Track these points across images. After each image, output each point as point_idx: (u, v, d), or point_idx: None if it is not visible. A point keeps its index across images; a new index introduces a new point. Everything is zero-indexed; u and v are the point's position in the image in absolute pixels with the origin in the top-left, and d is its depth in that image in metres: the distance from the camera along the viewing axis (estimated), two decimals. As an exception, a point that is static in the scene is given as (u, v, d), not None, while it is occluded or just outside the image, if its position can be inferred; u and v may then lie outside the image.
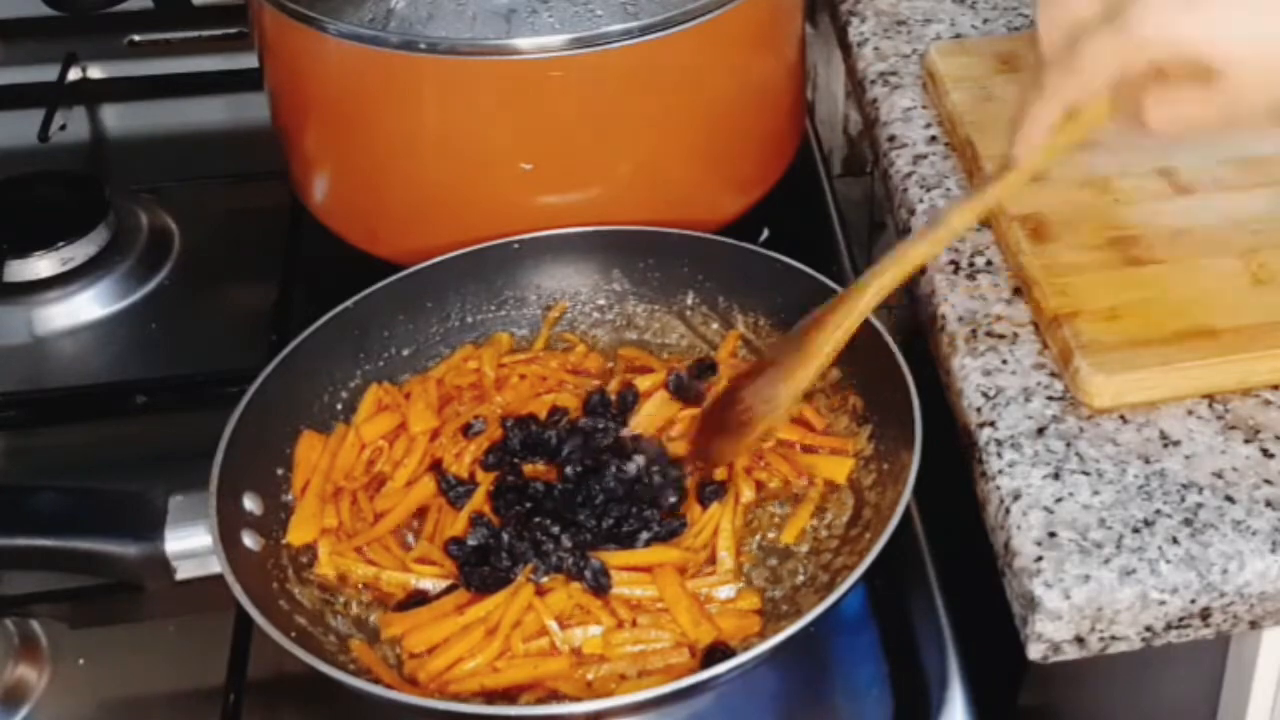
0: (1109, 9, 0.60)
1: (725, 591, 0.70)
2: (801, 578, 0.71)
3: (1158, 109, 0.61)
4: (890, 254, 0.70)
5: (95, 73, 1.15)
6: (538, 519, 0.72)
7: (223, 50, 1.15)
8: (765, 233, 0.90)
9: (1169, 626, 0.65)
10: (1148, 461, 0.68)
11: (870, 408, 0.76)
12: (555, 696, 0.66)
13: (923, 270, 0.81)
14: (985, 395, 0.72)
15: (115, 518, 0.69)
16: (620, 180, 0.86)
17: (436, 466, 0.76)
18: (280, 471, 0.75)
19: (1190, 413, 0.71)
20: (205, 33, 1.17)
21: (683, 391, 0.79)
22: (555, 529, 0.71)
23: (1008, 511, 0.67)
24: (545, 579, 0.70)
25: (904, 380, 0.72)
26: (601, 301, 0.85)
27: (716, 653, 0.66)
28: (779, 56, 0.92)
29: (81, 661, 0.73)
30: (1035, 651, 0.65)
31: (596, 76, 0.81)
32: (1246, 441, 0.69)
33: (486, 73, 0.80)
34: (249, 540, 0.70)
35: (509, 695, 0.66)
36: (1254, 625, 0.66)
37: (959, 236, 0.68)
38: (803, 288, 0.80)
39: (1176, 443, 0.69)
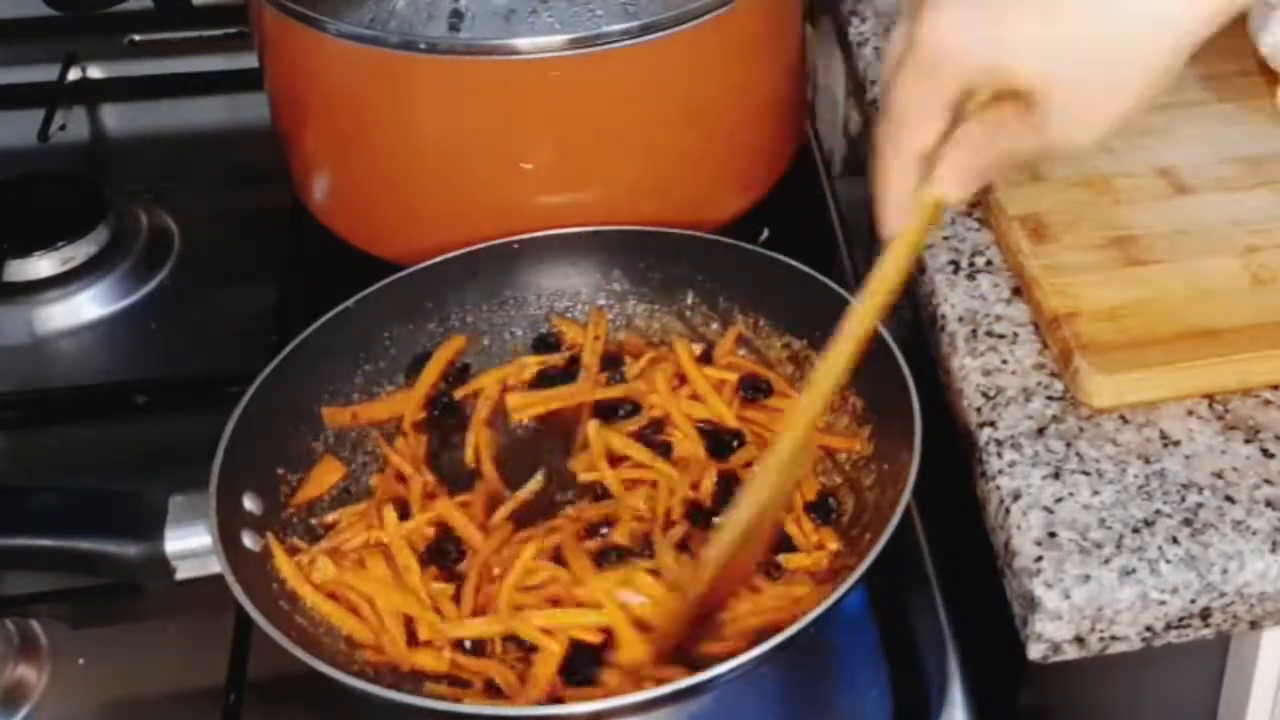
0: (910, 40, 0.55)
1: None
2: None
3: (981, 143, 0.57)
4: (808, 383, 0.65)
5: (95, 73, 1.15)
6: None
7: (223, 50, 1.15)
8: (765, 233, 0.90)
9: (1169, 626, 0.65)
10: (1148, 461, 0.68)
11: (870, 408, 0.76)
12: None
13: (922, 270, 0.81)
14: (985, 395, 0.72)
15: (115, 518, 0.69)
16: (620, 180, 0.86)
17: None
18: (280, 471, 0.75)
19: (1190, 413, 0.71)
20: (205, 33, 1.16)
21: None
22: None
23: (1008, 511, 0.67)
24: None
25: (904, 380, 0.72)
26: (601, 301, 0.85)
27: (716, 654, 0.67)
28: (779, 56, 0.92)
29: (81, 661, 0.73)
30: (1035, 651, 0.65)
31: (596, 76, 0.81)
32: (1246, 441, 0.69)
33: (486, 73, 0.80)
34: (249, 540, 0.70)
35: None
36: (1254, 625, 0.66)
37: (866, 335, 0.63)
38: (803, 288, 0.80)
39: (1176, 443, 0.69)
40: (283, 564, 0.70)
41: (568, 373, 0.82)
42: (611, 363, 0.82)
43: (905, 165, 0.59)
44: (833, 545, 0.72)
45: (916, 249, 0.62)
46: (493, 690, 0.67)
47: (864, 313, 0.63)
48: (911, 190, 0.60)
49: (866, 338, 0.64)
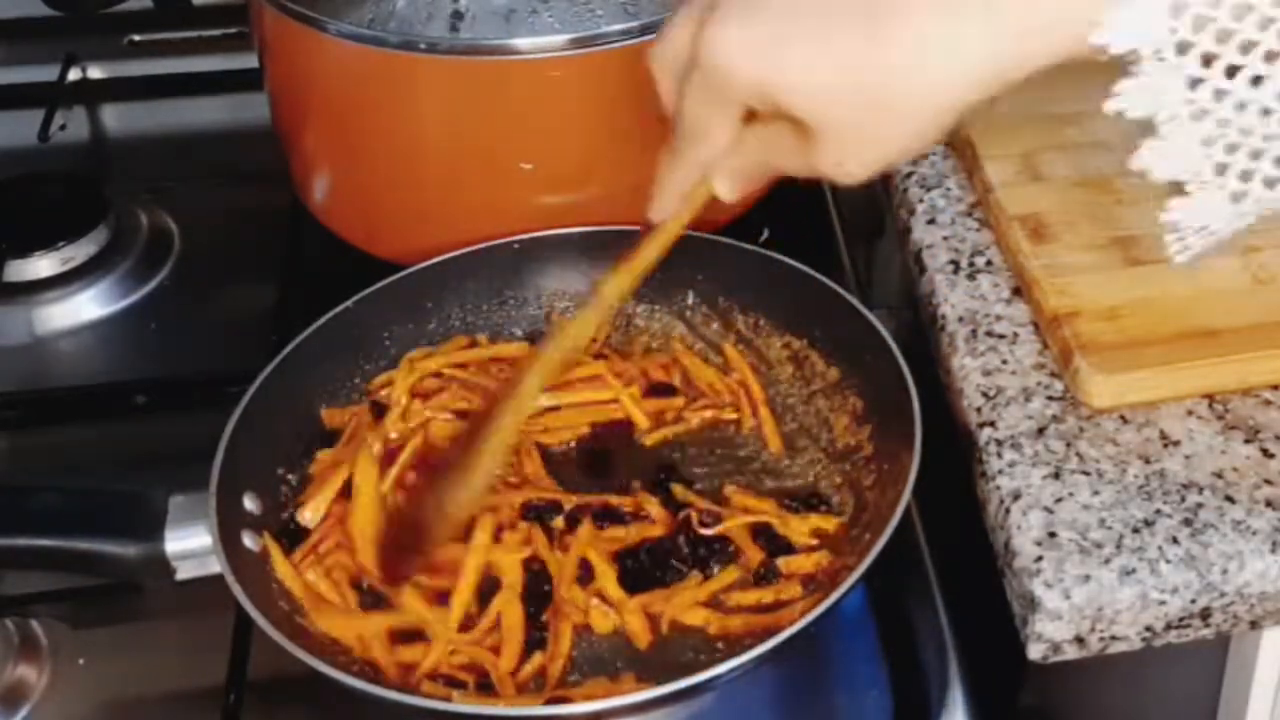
0: (694, 49, 0.56)
1: None
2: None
3: (757, 154, 0.58)
4: (551, 339, 0.68)
5: (95, 73, 1.15)
6: None
7: (223, 50, 1.15)
8: (765, 233, 0.90)
9: (1169, 626, 0.65)
10: (1148, 461, 0.68)
11: (870, 408, 0.76)
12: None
13: (922, 270, 0.81)
14: (985, 395, 0.72)
15: (115, 518, 0.69)
16: (620, 180, 0.86)
17: None
18: (280, 471, 0.75)
19: (1190, 413, 0.71)
20: (205, 33, 1.16)
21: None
22: None
23: (1008, 511, 0.67)
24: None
25: (904, 380, 0.72)
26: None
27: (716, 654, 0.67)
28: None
29: (81, 661, 0.73)
30: (1035, 651, 0.65)
31: (596, 76, 0.81)
32: (1246, 441, 0.69)
33: (486, 73, 0.80)
34: (249, 540, 0.70)
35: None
36: (1254, 625, 0.66)
37: (614, 307, 0.66)
38: (803, 288, 0.80)
39: (1176, 443, 0.69)
40: (279, 565, 0.70)
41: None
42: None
43: (688, 167, 0.61)
44: (829, 525, 0.72)
45: (679, 233, 0.64)
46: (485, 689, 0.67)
47: (616, 285, 0.65)
48: (689, 186, 0.62)
49: (613, 310, 0.67)
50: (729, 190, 0.61)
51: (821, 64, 0.53)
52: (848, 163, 0.56)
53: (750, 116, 0.58)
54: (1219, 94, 0.53)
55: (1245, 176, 0.56)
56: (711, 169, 0.61)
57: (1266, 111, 0.53)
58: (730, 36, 0.54)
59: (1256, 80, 0.52)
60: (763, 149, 0.58)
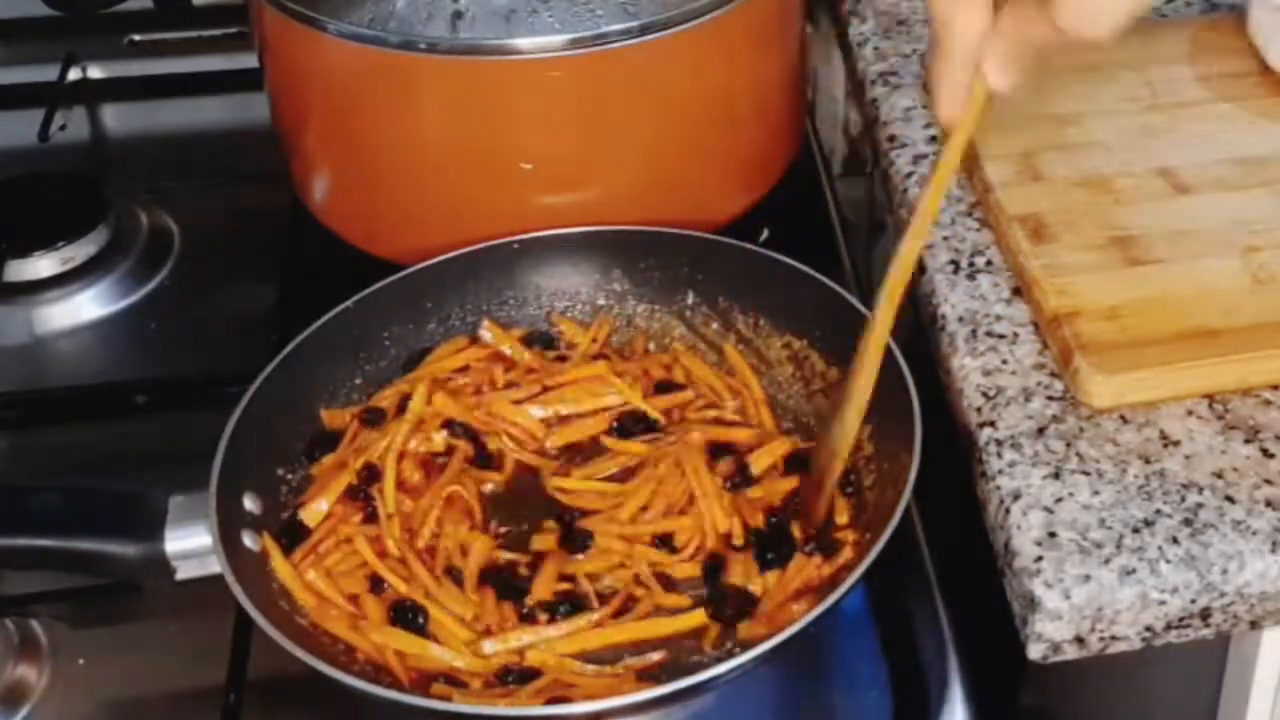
0: None
1: None
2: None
3: (1014, 33, 0.61)
4: (892, 259, 0.69)
5: (95, 73, 1.15)
6: None
7: (223, 50, 1.15)
8: (765, 233, 0.90)
9: (1169, 626, 0.65)
10: (1148, 461, 0.68)
11: (870, 408, 0.76)
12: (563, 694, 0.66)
13: (922, 270, 0.81)
14: (985, 395, 0.72)
15: (115, 518, 0.69)
16: (620, 180, 0.86)
17: None
18: (280, 471, 0.75)
19: (1190, 413, 0.71)
20: (205, 33, 1.16)
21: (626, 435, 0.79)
22: None
23: (1008, 511, 0.67)
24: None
25: (904, 380, 0.72)
26: (601, 301, 0.85)
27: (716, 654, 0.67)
28: (779, 56, 0.92)
29: (81, 661, 0.73)
30: (1035, 651, 0.65)
31: (596, 76, 0.81)
32: (1246, 441, 0.69)
33: (486, 73, 0.80)
34: (249, 540, 0.70)
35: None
36: (1254, 625, 0.66)
37: (936, 218, 0.68)
38: (803, 288, 0.80)
39: (1176, 443, 0.69)
40: (279, 565, 0.70)
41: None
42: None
43: (953, 60, 0.63)
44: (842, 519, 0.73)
45: (971, 135, 0.65)
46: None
47: (933, 194, 0.67)
48: (964, 82, 0.63)
49: (935, 218, 0.69)
50: (1000, 77, 0.63)
51: None
52: (1100, 18, 0.59)
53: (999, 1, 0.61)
54: None
55: None
56: (978, 60, 0.62)
57: None
58: None
59: None
60: (1017, 26, 0.61)
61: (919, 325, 0.81)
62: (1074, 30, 0.59)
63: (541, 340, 0.84)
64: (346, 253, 0.91)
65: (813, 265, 0.81)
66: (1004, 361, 0.74)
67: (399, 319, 0.82)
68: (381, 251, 0.89)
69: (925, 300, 0.80)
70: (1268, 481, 0.67)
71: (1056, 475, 0.68)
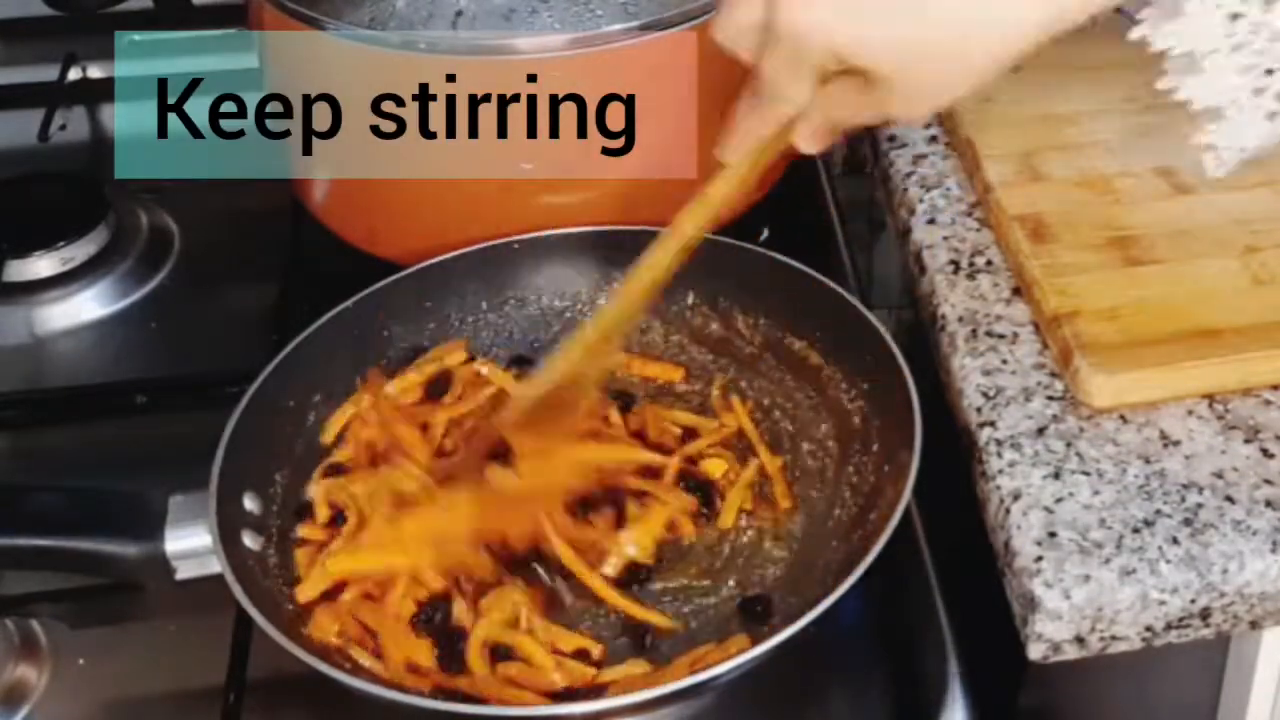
0: (766, 11, 0.61)
1: None
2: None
3: (829, 112, 0.63)
4: (632, 270, 0.70)
5: (95, 73, 1.15)
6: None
7: (223, 50, 1.14)
8: (765, 232, 0.90)
9: (1169, 626, 0.65)
10: (1148, 461, 0.68)
11: (870, 408, 0.76)
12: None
13: (922, 270, 0.81)
14: (985, 395, 0.72)
15: (115, 518, 0.69)
16: (620, 180, 0.86)
17: None
18: (280, 471, 0.75)
19: (1190, 413, 0.71)
20: (205, 33, 1.16)
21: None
22: None
23: (1008, 511, 0.67)
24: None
25: (904, 380, 0.72)
26: (601, 301, 0.85)
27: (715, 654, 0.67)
28: (779, 56, 0.92)
29: (81, 661, 0.73)
30: (1035, 651, 0.65)
31: (596, 76, 0.81)
32: (1246, 441, 0.69)
33: (486, 73, 0.80)
34: (249, 540, 0.70)
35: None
36: (1254, 625, 0.66)
37: (692, 242, 0.69)
38: (803, 288, 0.80)
39: (1176, 443, 0.69)
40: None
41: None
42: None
43: (768, 117, 0.65)
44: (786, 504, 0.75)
45: (753, 174, 0.68)
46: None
47: (693, 217, 0.69)
48: (763, 136, 0.66)
49: (691, 246, 0.69)
50: (809, 145, 0.66)
51: (895, 22, 0.59)
52: (918, 106, 0.62)
53: (826, 76, 0.62)
54: (1256, 27, 0.63)
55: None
56: (792, 125, 0.65)
57: None
58: (811, 5, 0.60)
59: None
60: (838, 104, 0.63)
61: (919, 325, 0.81)
62: (897, 115, 0.63)
63: (522, 363, 0.83)
64: (346, 253, 0.91)
65: (813, 265, 0.81)
66: (1004, 361, 0.74)
67: (399, 319, 0.82)
68: (381, 251, 0.89)
69: (925, 300, 0.80)
70: (1268, 481, 0.67)
71: (1056, 475, 0.68)
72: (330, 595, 0.70)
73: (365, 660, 0.67)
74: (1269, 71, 0.66)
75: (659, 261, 0.69)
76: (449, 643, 0.68)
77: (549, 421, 0.72)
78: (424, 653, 0.68)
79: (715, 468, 0.76)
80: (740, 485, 0.76)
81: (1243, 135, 0.71)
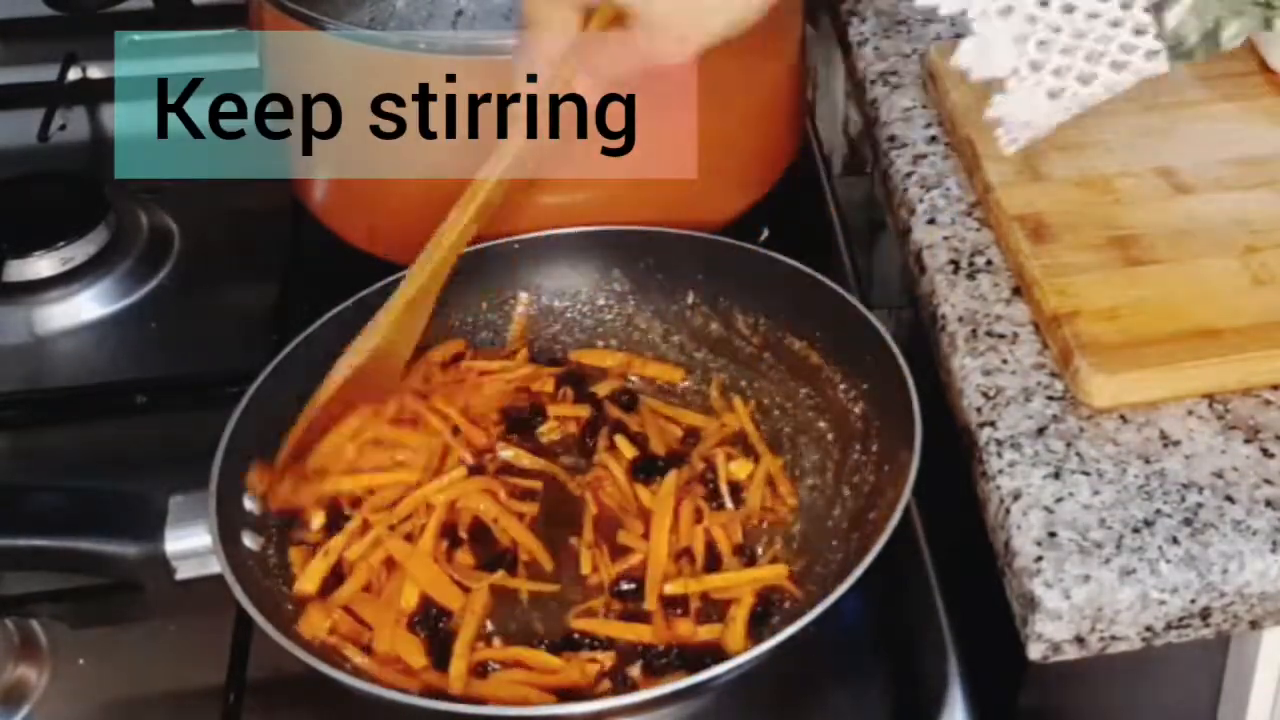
0: None
1: None
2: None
3: (594, 58, 0.67)
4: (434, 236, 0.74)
5: (95, 73, 1.15)
6: None
7: (223, 50, 1.14)
8: (765, 233, 0.90)
9: (1169, 626, 0.65)
10: (1148, 461, 0.68)
11: (870, 408, 0.76)
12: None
13: (922, 269, 0.81)
14: (985, 395, 0.72)
15: (115, 518, 0.69)
16: (620, 180, 0.86)
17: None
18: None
19: (1190, 413, 0.71)
20: (205, 33, 1.16)
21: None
22: None
23: (1008, 511, 0.67)
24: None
25: (904, 380, 0.72)
26: (601, 302, 0.85)
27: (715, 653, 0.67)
28: (779, 56, 0.92)
29: (81, 661, 0.73)
30: (1035, 651, 0.65)
31: (596, 76, 0.81)
32: (1246, 441, 0.69)
33: (486, 72, 0.80)
34: (249, 540, 0.70)
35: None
36: (1254, 625, 0.66)
37: (490, 200, 0.73)
38: (803, 288, 0.80)
39: (1176, 443, 0.69)
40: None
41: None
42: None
43: (534, 59, 0.69)
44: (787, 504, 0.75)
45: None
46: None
47: (490, 171, 0.73)
48: (543, 79, 0.69)
49: (489, 202, 0.73)
50: (587, 86, 0.69)
51: None
52: (675, 45, 0.65)
53: (586, 20, 0.66)
54: None
55: (1060, 73, 0.62)
56: (563, 66, 0.68)
57: (1069, 8, 0.57)
58: None
59: None
60: (601, 47, 0.67)
61: (919, 325, 0.81)
62: (659, 56, 0.65)
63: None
64: (346, 253, 0.91)
65: (813, 265, 0.81)
66: (1004, 361, 0.74)
67: (399, 319, 0.82)
68: (381, 251, 0.89)
69: (925, 300, 0.80)
70: (1268, 481, 0.67)
71: (1056, 475, 0.68)
72: (325, 592, 0.70)
73: (357, 658, 0.67)
74: (1042, 43, 0.62)
75: (459, 222, 0.73)
76: (446, 644, 0.68)
77: (371, 388, 0.75)
78: (415, 651, 0.67)
79: (742, 469, 0.76)
80: (758, 483, 0.75)
81: (1026, 110, 0.66)
